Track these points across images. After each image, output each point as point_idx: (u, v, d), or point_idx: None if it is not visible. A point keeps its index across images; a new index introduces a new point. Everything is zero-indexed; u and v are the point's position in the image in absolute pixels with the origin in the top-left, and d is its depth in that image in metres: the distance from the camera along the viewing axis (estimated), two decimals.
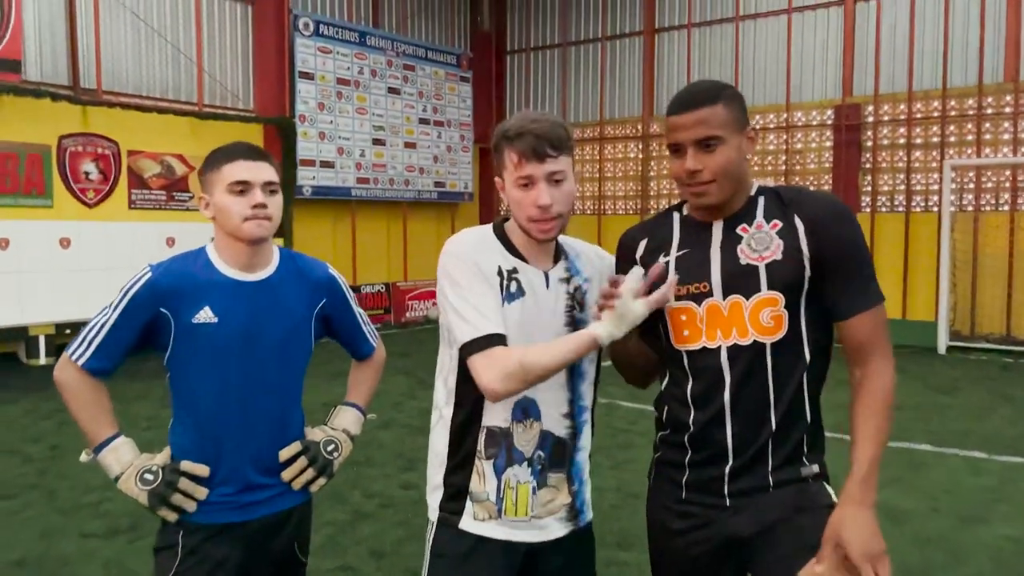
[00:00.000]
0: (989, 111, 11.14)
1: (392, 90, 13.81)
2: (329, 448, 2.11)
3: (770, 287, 1.71)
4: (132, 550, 4.04)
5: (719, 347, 1.74)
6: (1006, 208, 11.06)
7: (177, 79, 11.41)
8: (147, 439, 5.98)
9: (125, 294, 1.92)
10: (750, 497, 1.76)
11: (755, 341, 1.72)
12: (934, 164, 11.53)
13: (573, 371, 1.82)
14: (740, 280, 1.72)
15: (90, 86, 10.35)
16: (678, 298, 1.78)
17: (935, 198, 11.47)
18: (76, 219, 9.89)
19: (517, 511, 1.79)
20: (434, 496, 1.87)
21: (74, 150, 9.86)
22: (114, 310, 1.93)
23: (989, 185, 11.19)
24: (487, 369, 1.66)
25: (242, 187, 1.93)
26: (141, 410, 6.99)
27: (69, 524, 4.41)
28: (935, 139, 11.55)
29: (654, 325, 1.88)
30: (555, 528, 1.83)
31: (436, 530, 1.84)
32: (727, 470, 1.76)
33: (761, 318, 1.71)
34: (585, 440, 1.88)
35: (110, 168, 10.22)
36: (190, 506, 1.94)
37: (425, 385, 8.31)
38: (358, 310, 2.26)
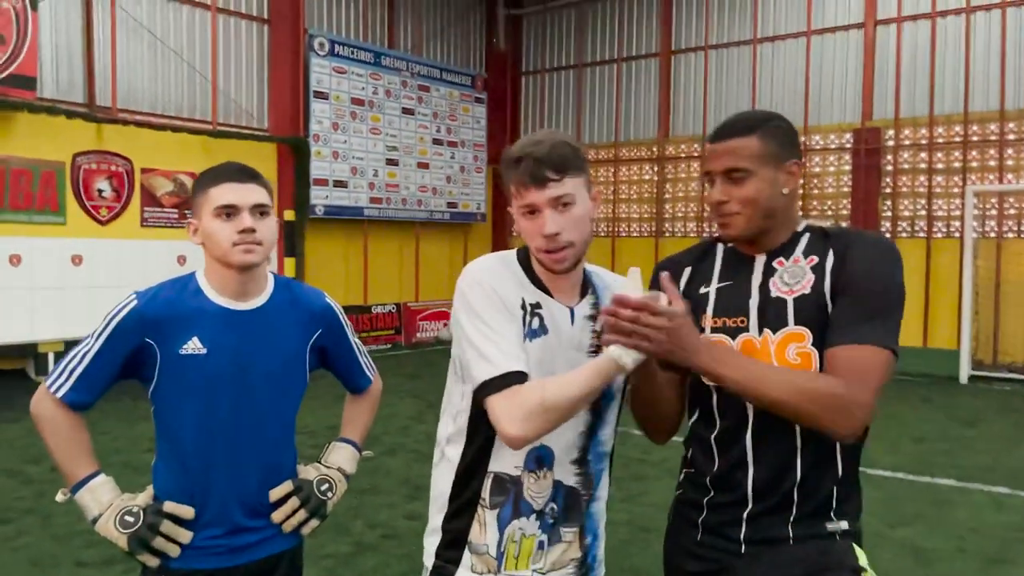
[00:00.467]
0: (1011, 137, 10.95)
1: (406, 110, 13.80)
2: (323, 488, 1.98)
3: (796, 322, 1.61)
4: None
5: None
6: None
7: (192, 97, 11.42)
8: (149, 461, 5.84)
9: (109, 322, 1.82)
10: (769, 547, 1.64)
11: None
12: (956, 190, 11.34)
13: (596, 416, 1.69)
14: (770, 313, 1.64)
15: (105, 104, 10.38)
16: (713, 330, 1.70)
17: (957, 224, 11.27)
18: (88, 236, 9.89)
19: (518, 565, 1.65)
20: (431, 540, 1.73)
21: (88, 167, 9.86)
22: (96, 339, 1.82)
23: (1012, 212, 10.97)
24: (507, 411, 1.50)
25: (229, 211, 1.82)
26: (146, 431, 6.89)
27: (63, 552, 4.29)
28: (957, 164, 11.37)
29: None
30: None
31: None
32: (745, 515, 1.65)
33: (787, 354, 1.61)
34: (602, 489, 1.75)
35: (123, 185, 10.21)
36: (173, 551, 1.82)
37: (435, 408, 8.14)
38: (355, 341, 2.15)
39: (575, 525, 1.69)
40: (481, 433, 1.63)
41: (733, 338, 1.67)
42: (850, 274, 1.59)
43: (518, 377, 1.52)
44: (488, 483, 1.64)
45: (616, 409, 1.75)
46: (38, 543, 4.41)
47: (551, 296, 1.66)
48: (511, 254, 1.72)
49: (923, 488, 5.65)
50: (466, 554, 1.66)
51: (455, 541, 1.68)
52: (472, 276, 1.64)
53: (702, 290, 1.73)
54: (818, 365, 1.59)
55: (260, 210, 1.86)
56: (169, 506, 1.82)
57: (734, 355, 1.57)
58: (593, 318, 1.68)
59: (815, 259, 1.64)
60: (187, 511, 1.83)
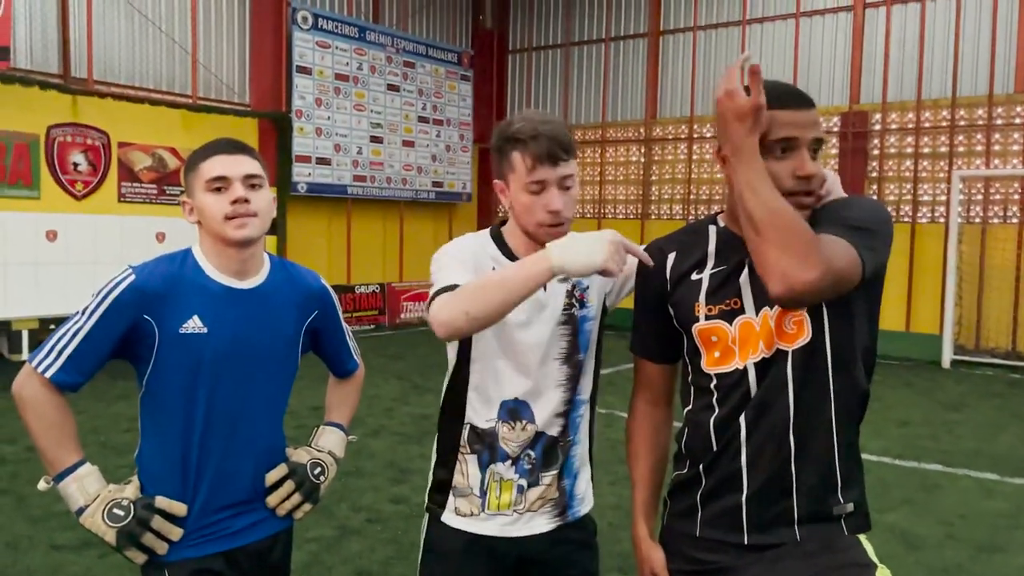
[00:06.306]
0: (999, 122, 10.95)
1: (391, 87, 13.58)
2: (316, 471, 1.94)
3: None
4: (103, 565, 3.81)
5: (747, 365, 1.58)
6: (1015, 221, 10.86)
7: (171, 70, 11.14)
8: (127, 441, 5.74)
9: (104, 298, 1.71)
10: (773, 548, 1.57)
11: (777, 350, 1.56)
12: (942, 174, 11.33)
13: (575, 367, 1.81)
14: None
15: (81, 75, 10.10)
16: (708, 317, 1.62)
17: (942, 209, 11.28)
18: (63, 211, 9.62)
19: (500, 505, 1.80)
20: (429, 486, 1.90)
21: (63, 140, 9.60)
22: (89, 316, 1.71)
23: (997, 197, 10.99)
24: (435, 306, 1.62)
25: (220, 184, 1.75)
26: (124, 410, 6.75)
27: (38, 534, 4.17)
28: (943, 149, 11.36)
29: (678, 348, 1.73)
30: (540, 523, 1.81)
31: (428, 523, 1.88)
32: (743, 499, 1.58)
33: (784, 325, 1.56)
34: (582, 433, 1.86)
35: (100, 160, 9.96)
36: (161, 548, 1.74)
37: (419, 390, 8.07)
38: (344, 324, 2.10)
39: (554, 469, 1.81)
40: (458, 390, 1.82)
41: (729, 322, 1.61)
42: (827, 211, 1.56)
43: (456, 287, 1.65)
44: (466, 433, 1.81)
45: (593, 360, 1.86)
46: (12, 525, 4.29)
47: None
48: (483, 233, 1.86)
49: (910, 473, 5.65)
50: (450, 498, 1.83)
51: (441, 486, 1.85)
52: (445, 250, 1.80)
53: (694, 276, 1.66)
54: (809, 330, 1.54)
55: (251, 181, 1.79)
56: (161, 502, 1.75)
57: (758, 162, 1.46)
58: (564, 279, 1.76)
59: None
60: (180, 508, 1.76)
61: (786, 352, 1.55)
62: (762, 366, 1.57)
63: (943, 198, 11.25)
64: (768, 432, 1.56)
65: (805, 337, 1.55)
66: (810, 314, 1.55)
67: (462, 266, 1.73)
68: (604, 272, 1.54)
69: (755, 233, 1.43)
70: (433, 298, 1.66)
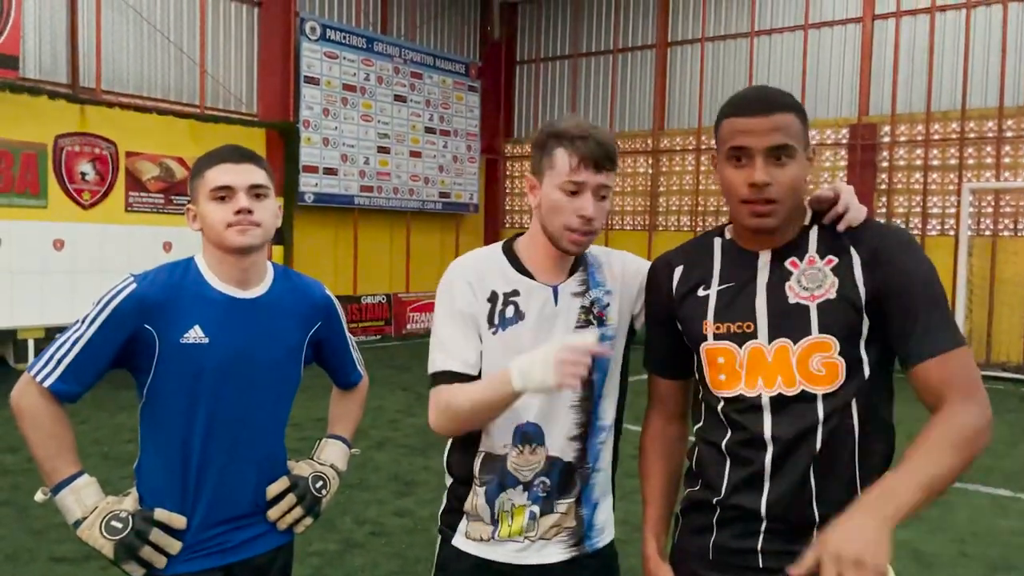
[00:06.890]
0: (1009, 134, 10.89)
1: (398, 98, 13.60)
2: (317, 485, 1.91)
3: (821, 330, 1.48)
4: None
5: (759, 396, 1.51)
6: None
7: (179, 80, 11.19)
8: (130, 452, 5.70)
9: (105, 306, 1.69)
10: (788, 559, 1.49)
11: (803, 391, 1.49)
12: (951, 187, 11.27)
13: (592, 390, 1.73)
14: (788, 321, 1.50)
15: (89, 85, 10.14)
16: (716, 336, 1.56)
17: (952, 221, 11.21)
18: (71, 220, 9.65)
19: (511, 532, 1.74)
20: (441, 505, 1.86)
21: (71, 150, 9.63)
22: (89, 325, 1.68)
23: (1008, 210, 10.92)
24: (431, 404, 1.70)
25: (224, 192, 1.72)
26: (127, 421, 6.72)
27: (39, 546, 4.13)
28: (953, 161, 11.30)
29: (690, 364, 1.67)
30: (554, 552, 1.74)
31: (440, 544, 1.83)
32: (761, 529, 1.54)
33: (811, 365, 1.49)
34: (603, 462, 1.78)
35: (107, 169, 9.99)
36: (159, 561, 1.70)
37: (424, 401, 8.00)
38: (349, 335, 2.07)
39: (571, 496, 1.74)
40: None
41: (740, 345, 1.54)
42: (892, 281, 1.46)
43: (446, 376, 1.69)
44: (478, 461, 1.74)
45: (616, 383, 1.78)
46: (13, 536, 4.25)
47: (533, 279, 1.72)
48: (496, 246, 1.80)
49: None
50: (463, 521, 1.77)
51: (454, 509, 1.79)
52: (448, 274, 1.75)
53: (701, 292, 1.61)
54: (844, 375, 1.48)
55: (257, 191, 1.76)
56: (160, 514, 1.72)
57: (896, 489, 1.31)
58: (581, 294, 1.73)
59: (833, 260, 1.51)
60: (179, 520, 1.73)
61: (814, 395, 1.49)
62: (781, 403, 1.50)
63: (953, 211, 11.19)
64: (791, 477, 1.51)
65: (838, 381, 1.48)
66: (844, 356, 1.48)
67: (453, 326, 1.71)
68: (561, 387, 1.52)
69: (963, 462, 1.37)
70: (432, 380, 1.72)
